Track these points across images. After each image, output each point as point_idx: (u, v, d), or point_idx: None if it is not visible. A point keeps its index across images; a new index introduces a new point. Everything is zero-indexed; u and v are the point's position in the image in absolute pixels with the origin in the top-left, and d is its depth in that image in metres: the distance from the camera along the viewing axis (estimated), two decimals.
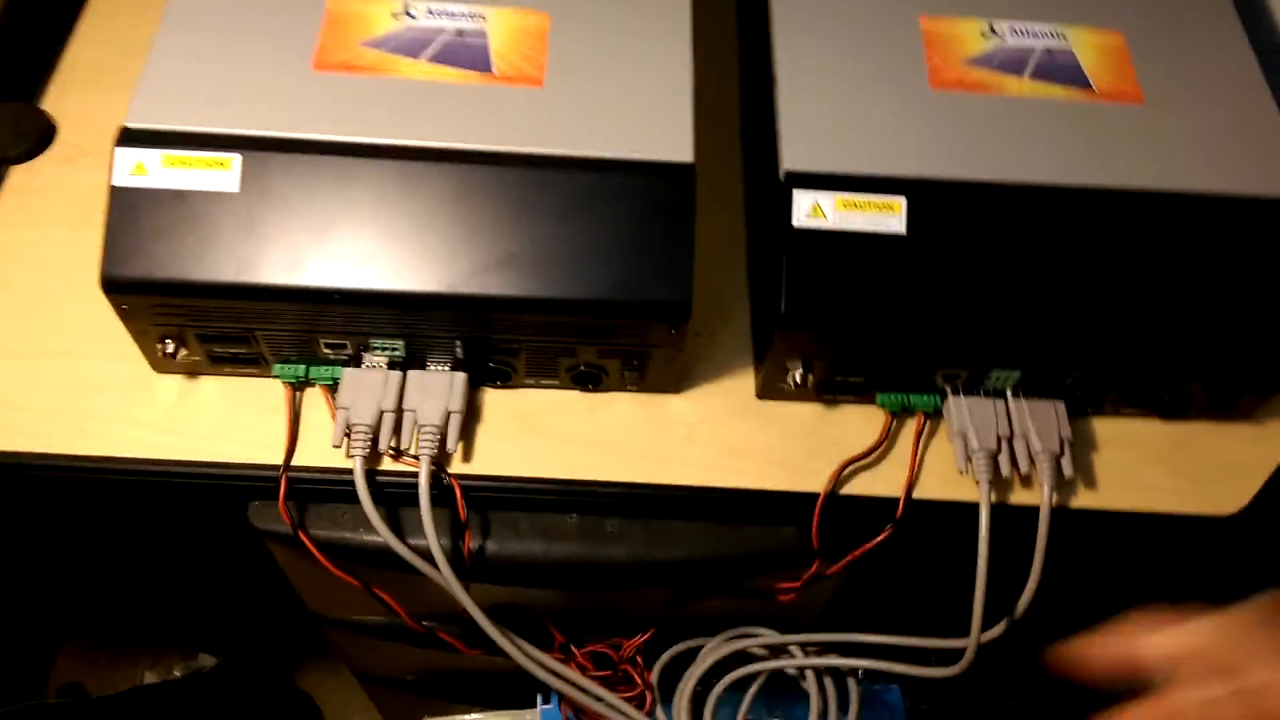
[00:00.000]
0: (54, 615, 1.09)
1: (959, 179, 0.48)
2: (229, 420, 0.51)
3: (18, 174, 0.58)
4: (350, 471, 0.48)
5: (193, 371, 0.52)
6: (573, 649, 0.59)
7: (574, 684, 0.55)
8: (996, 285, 0.47)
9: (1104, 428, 0.53)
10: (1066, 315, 0.47)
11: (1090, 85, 0.51)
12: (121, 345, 0.50)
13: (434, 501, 0.49)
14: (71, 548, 0.89)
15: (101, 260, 0.45)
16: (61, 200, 0.57)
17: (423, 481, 0.48)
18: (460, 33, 0.51)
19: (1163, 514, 0.51)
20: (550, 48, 0.50)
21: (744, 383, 0.54)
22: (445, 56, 0.50)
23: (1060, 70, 0.52)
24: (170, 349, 0.49)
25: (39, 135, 0.58)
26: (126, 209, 0.45)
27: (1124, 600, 0.52)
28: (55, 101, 0.60)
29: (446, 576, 0.48)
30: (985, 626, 0.51)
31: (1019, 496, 0.51)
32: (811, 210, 0.47)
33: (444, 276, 0.46)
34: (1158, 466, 0.52)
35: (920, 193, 0.47)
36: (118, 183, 0.46)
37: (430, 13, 0.51)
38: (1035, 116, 0.50)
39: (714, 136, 0.61)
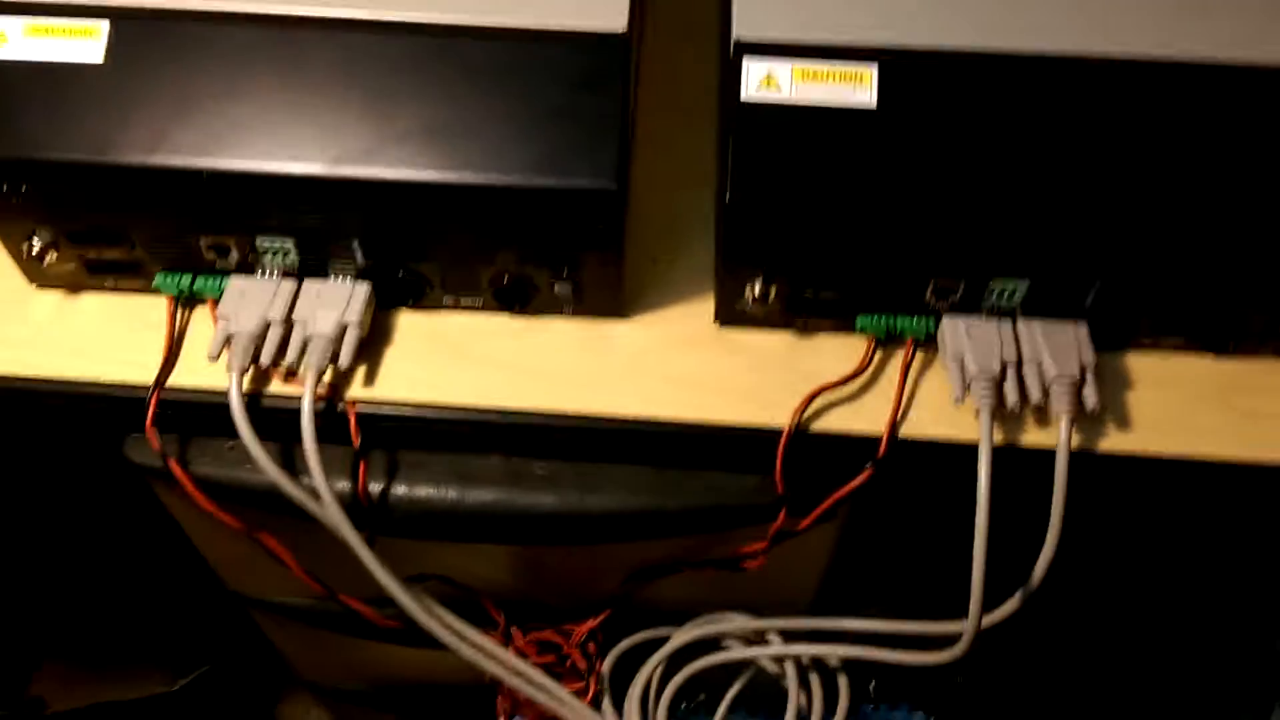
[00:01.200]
0: (35, 630, 1.04)
1: (945, 48, 0.40)
2: (107, 338, 0.44)
3: None
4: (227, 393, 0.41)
5: (73, 285, 0.46)
6: (514, 632, 0.51)
7: (508, 667, 0.47)
8: (993, 171, 0.39)
9: (1139, 363, 0.44)
10: (1084, 209, 0.39)
11: None
12: None
13: (331, 439, 0.42)
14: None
15: None
16: None
17: (306, 400, 0.40)
18: None
19: (1213, 460, 0.41)
20: None
21: (704, 310, 0.46)
22: None
23: None
24: (38, 249, 0.43)
25: None
26: None
27: (1164, 567, 0.42)
28: None
29: (333, 515, 0.41)
30: (992, 604, 0.41)
31: (1031, 436, 0.42)
32: (764, 81, 0.40)
33: (328, 155, 0.39)
34: (1207, 406, 0.43)
35: (896, 62, 0.40)
36: None
37: None
38: None
39: (691, 52, 0.55)
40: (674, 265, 0.48)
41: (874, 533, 0.50)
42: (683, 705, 0.58)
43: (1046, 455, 0.40)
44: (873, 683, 0.61)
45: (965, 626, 0.40)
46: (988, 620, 0.41)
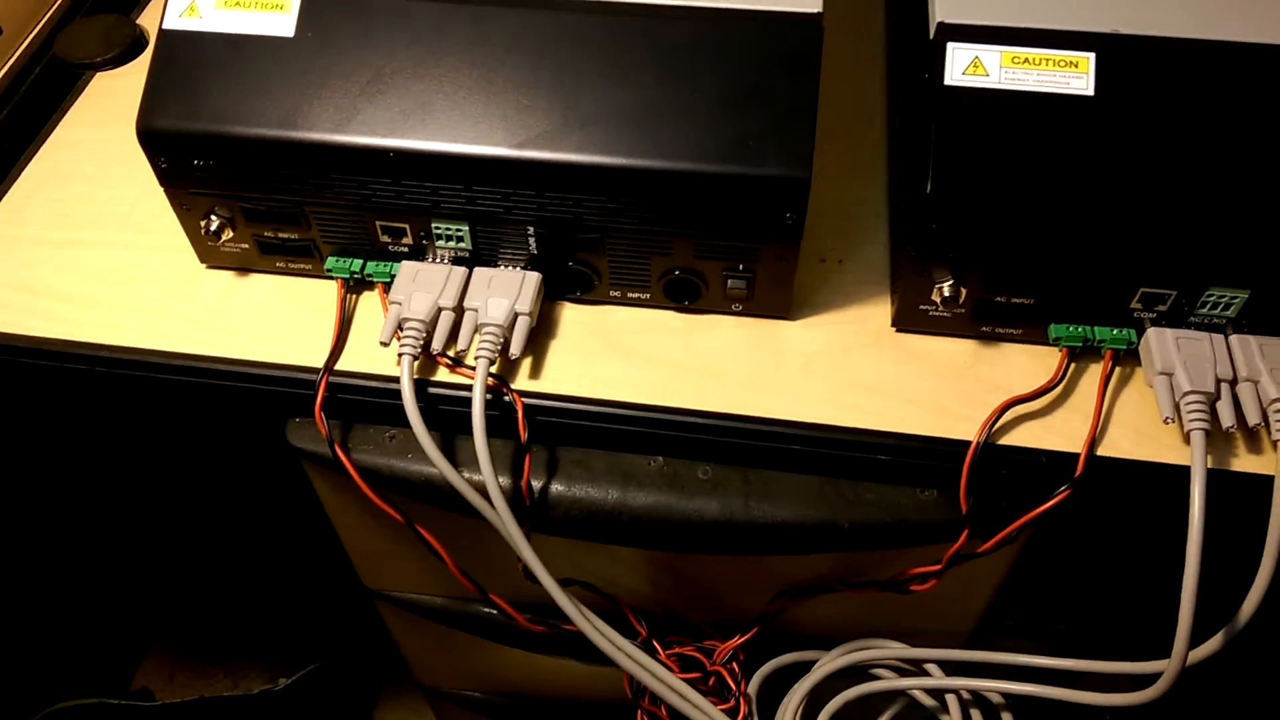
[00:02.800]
0: (143, 616, 1.06)
1: (1173, 35, 0.37)
2: (276, 320, 0.44)
3: (103, 80, 0.55)
4: (398, 380, 0.40)
5: (243, 267, 0.46)
6: (656, 646, 0.49)
7: (660, 679, 0.45)
8: (1217, 169, 0.36)
9: None
10: None
11: None
12: (173, 238, 0.45)
13: (494, 431, 0.41)
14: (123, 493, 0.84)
15: (140, 109, 0.40)
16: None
17: (477, 391, 0.39)
18: None
19: None
20: None
21: (879, 313, 0.44)
22: None
23: None
24: (215, 226, 0.43)
25: (128, 45, 0.55)
26: (172, 54, 0.41)
27: None
28: (151, 16, 0.58)
29: (500, 511, 0.39)
30: (1196, 640, 0.38)
31: (1245, 462, 0.38)
32: (970, 66, 0.38)
33: (513, 137, 0.38)
34: None
35: (1117, 49, 0.37)
36: (168, 25, 0.41)
37: None
38: None
39: (853, 46, 0.53)
40: (844, 266, 0.46)
41: (1053, 561, 0.47)
42: None
43: (1262, 481, 0.37)
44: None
45: (1167, 665, 0.36)
46: (1196, 654, 0.37)
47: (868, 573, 0.45)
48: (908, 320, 0.43)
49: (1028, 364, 0.42)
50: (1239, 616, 0.37)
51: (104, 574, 0.88)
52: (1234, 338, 0.39)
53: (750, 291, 0.42)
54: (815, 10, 0.39)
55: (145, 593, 1.00)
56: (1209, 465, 0.37)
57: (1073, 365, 0.41)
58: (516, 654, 0.56)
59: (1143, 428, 0.40)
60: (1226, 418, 0.38)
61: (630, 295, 0.44)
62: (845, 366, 0.42)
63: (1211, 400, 0.38)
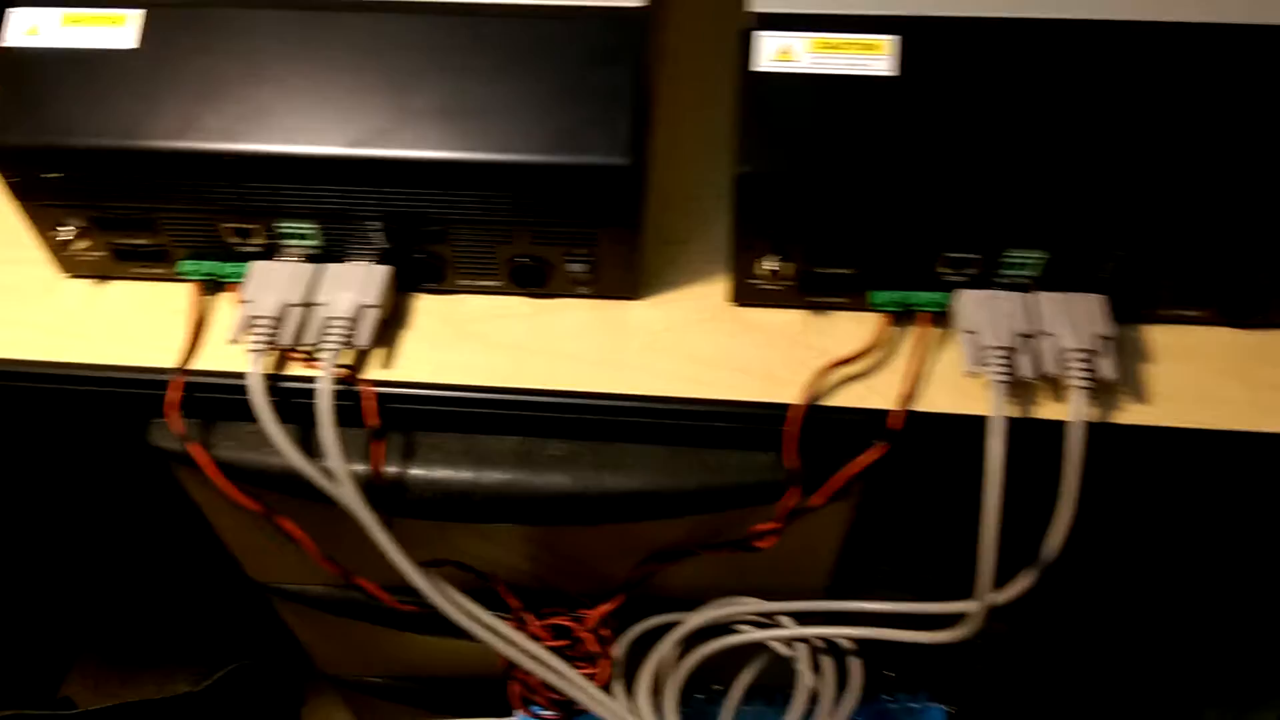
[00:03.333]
0: (67, 628, 1.06)
1: (969, 15, 0.40)
2: (134, 325, 0.45)
3: None
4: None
5: (101, 274, 0.47)
6: (527, 617, 0.51)
7: (521, 649, 0.47)
8: (1013, 142, 0.39)
9: (1159, 335, 0.43)
10: (1104, 178, 0.38)
11: None
12: (32, 250, 0.46)
13: (350, 421, 0.42)
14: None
15: None
16: None
17: (323, 380, 0.41)
18: None
19: (1235, 431, 0.41)
20: None
21: (719, 291, 0.46)
22: None
23: None
24: (69, 236, 0.44)
25: None
26: (15, 71, 0.41)
27: (1183, 544, 0.41)
28: None
29: (349, 495, 0.41)
30: (1005, 578, 0.41)
31: (1046, 409, 0.41)
32: (779, 53, 0.40)
33: (348, 135, 0.40)
34: (1227, 378, 0.42)
35: (918, 31, 0.40)
36: (8, 43, 0.41)
37: None
38: None
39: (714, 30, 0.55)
40: (690, 245, 0.48)
41: (889, 512, 0.50)
42: (697, 696, 0.58)
43: (1061, 428, 0.40)
44: (891, 673, 0.61)
45: (974, 606, 0.39)
46: (999, 598, 0.40)
47: (719, 535, 0.48)
48: (743, 295, 0.45)
49: (855, 330, 0.44)
50: (1043, 556, 0.41)
51: (23, 589, 0.88)
52: (1036, 295, 0.42)
53: (594, 275, 0.44)
54: (640, 4, 0.41)
55: (68, 605, 1.00)
56: (1010, 414, 0.41)
57: (893, 329, 0.44)
58: (405, 636, 0.58)
59: (958, 383, 0.42)
60: (1025, 368, 0.41)
61: (480, 283, 0.45)
62: (687, 341, 0.45)
63: (1012, 353, 0.41)
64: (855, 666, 0.49)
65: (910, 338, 0.43)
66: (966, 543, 0.41)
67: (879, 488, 0.47)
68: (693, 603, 0.53)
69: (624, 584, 0.51)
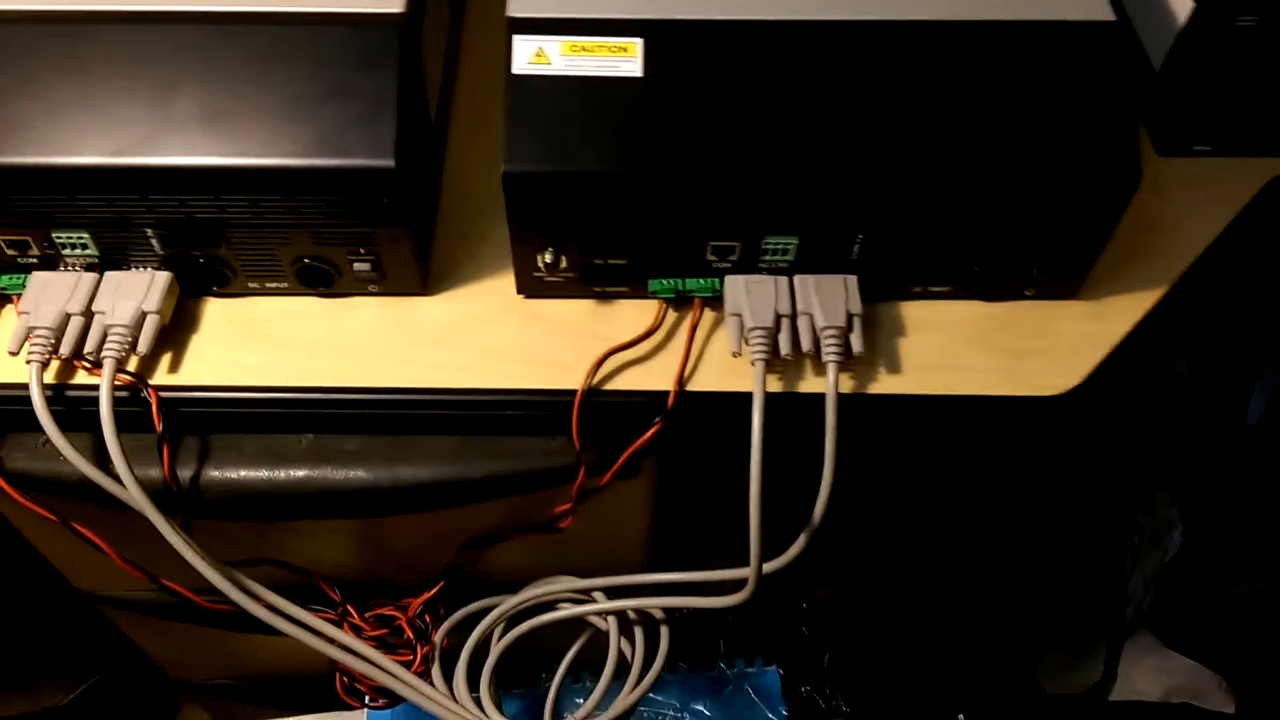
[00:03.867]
0: None
1: (708, 18, 0.42)
2: None
3: None
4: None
5: None
6: (350, 610, 0.52)
7: (334, 641, 0.48)
8: (756, 133, 0.41)
9: (914, 310, 0.46)
10: (841, 166, 0.41)
11: None
12: None
13: (142, 427, 0.43)
14: None
15: None
16: None
17: (104, 388, 0.41)
18: None
19: (978, 396, 0.44)
20: None
21: (510, 284, 0.48)
22: None
23: None
24: None
25: None
26: None
27: (944, 498, 0.44)
28: None
29: (136, 497, 0.41)
30: (783, 542, 0.44)
31: (806, 384, 0.44)
32: (534, 56, 0.42)
33: (110, 145, 0.40)
34: (976, 349, 0.45)
35: (663, 33, 0.42)
36: None
37: None
38: None
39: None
40: (484, 241, 0.49)
41: (690, 487, 0.52)
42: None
43: (819, 399, 0.43)
44: (721, 641, 0.64)
45: (748, 572, 0.42)
46: (772, 565, 0.43)
47: (526, 518, 0.50)
48: (529, 288, 0.47)
49: (638, 317, 0.46)
50: (812, 521, 0.43)
51: None
52: (796, 279, 0.45)
53: (381, 273, 0.45)
54: (397, 10, 0.42)
55: None
56: (775, 389, 0.43)
57: (671, 314, 0.46)
58: (238, 637, 0.58)
59: (730, 364, 0.45)
60: (785, 347, 0.43)
61: (269, 285, 0.46)
62: (477, 334, 0.46)
63: (773, 333, 0.43)
64: (664, 634, 0.51)
65: (686, 322, 0.46)
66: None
67: (673, 464, 0.50)
68: (521, 585, 0.54)
69: (444, 571, 0.53)
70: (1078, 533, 0.70)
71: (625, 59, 0.42)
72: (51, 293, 0.43)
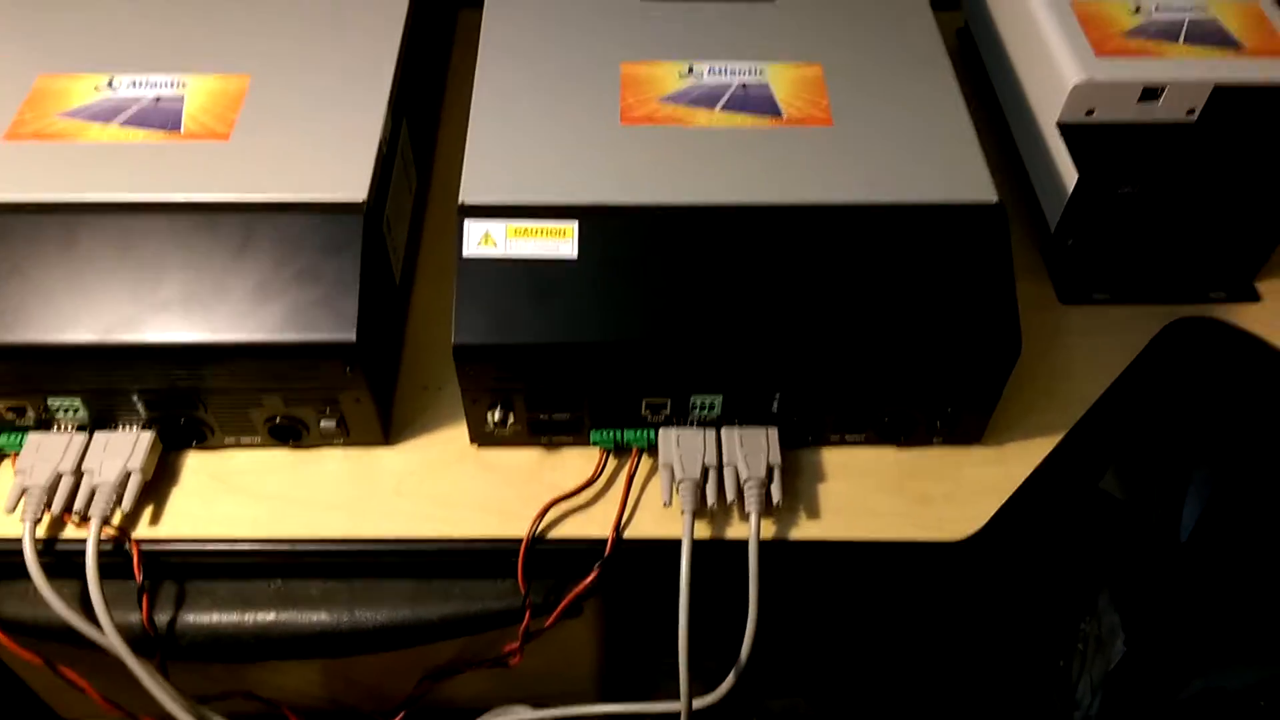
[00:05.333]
0: None
1: (635, 204, 0.47)
2: None
3: None
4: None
5: None
6: None
7: None
8: (679, 306, 0.46)
9: (832, 457, 0.51)
10: (755, 334, 0.46)
11: (780, 113, 0.51)
12: None
13: (126, 573, 0.47)
14: None
15: None
16: None
17: (90, 543, 0.45)
18: (158, 99, 0.52)
19: (889, 541, 0.48)
20: (244, 106, 0.51)
21: (466, 433, 0.52)
22: (137, 120, 0.50)
23: (752, 102, 0.52)
24: None
25: None
26: None
27: (863, 636, 0.48)
28: None
29: (114, 644, 0.45)
30: (714, 677, 0.47)
31: (732, 531, 0.48)
32: (482, 239, 0.47)
33: (100, 326, 0.45)
34: (887, 493, 0.49)
35: (594, 217, 0.47)
36: None
37: (133, 84, 0.52)
38: (719, 144, 0.50)
39: None
40: (442, 391, 0.54)
41: (633, 620, 0.56)
42: None
43: (742, 545, 0.47)
44: None
45: (679, 706, 0.45)
46: (702, 702, 0.47)
47: (481, 653, 0.53)
48: (482, 439, 0.51)
49: (584, 465, 0.51)
50: (739, 659, 0.47)
51: None
52: (725, 431, 0.49)
53: (345, 429, 0.50)
54: (359, 199, 0.47)
55: None
56: (703, 537, 0.47)
57: (611, 463, 0.50)
58: None
59: (662, 511, 0.49)
60: (711, 497, 0.47)
61: (244, 440, 0.50)
62: (433, 483, 0.50)
63: (700, 485, 0.47)
64: None
65: (624, 471, 0.50)
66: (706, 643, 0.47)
67: (617, 601, 0.53)
68: (479, 712, 0.58)
69: (405, 700, 0.56)
70: (1021, 642, 0.73)
71: (563, 241, 0.47)
72: (45, 453, 0.48)
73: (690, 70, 0.54)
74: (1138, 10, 0.56)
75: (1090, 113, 0.53)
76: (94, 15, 0.56)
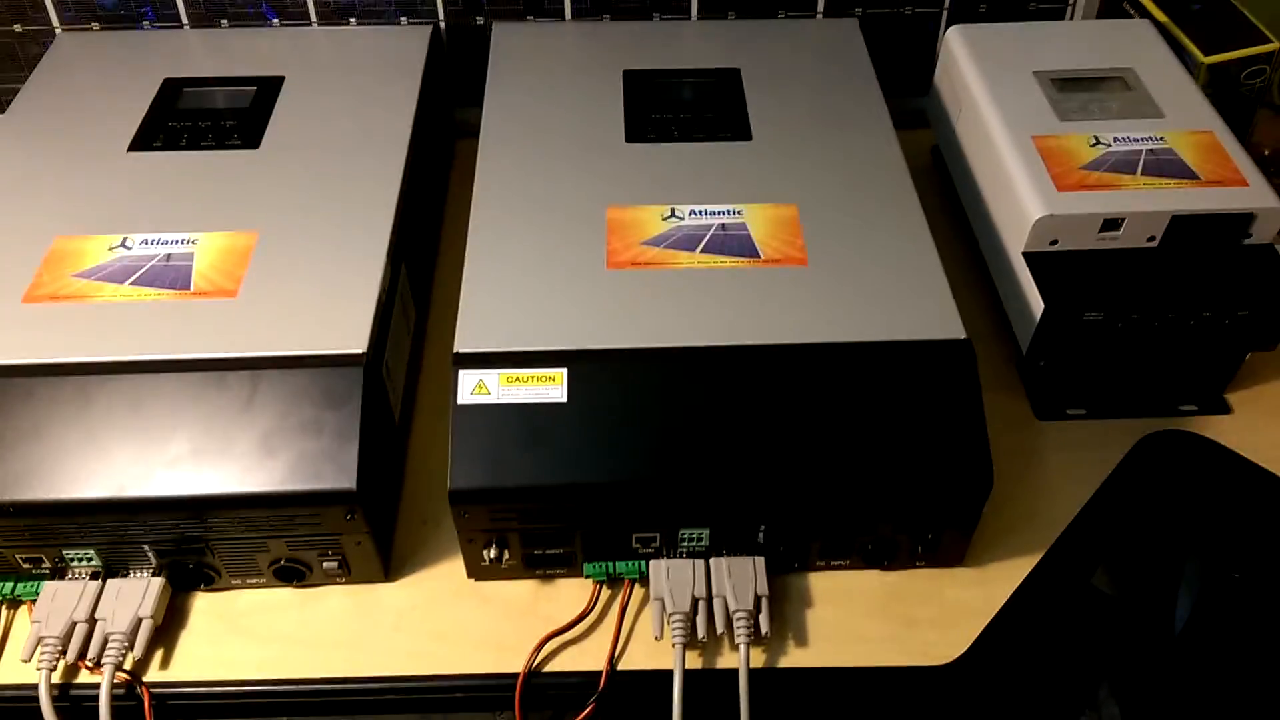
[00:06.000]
0: None
1: (619, 347, 0.50)
2: None
3: None
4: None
5: None
6: None
7: None
8: (667, 445, 0.48)
9: (818, 582, 0.52)
10: (740, 471, 0.48)
11: (758, 254, 0.54)
12: None
13: (137, 715, 0.48)
14: None
15: None
16: None
17: (103, 690, 0.47)
18: (169, 257, 0.55)
19: (874, 668, 0.49)
20: (252, 261, 0.54)
21: (463, 566, 0.54)
22: (148, 279, 0.53)
23: (731, 243, 0.55)
24: None
25: None
26: None
27: None
28: None
29: None
30: None
31: (724, 660, 0.50)
32: (476, 387, 0.49)
33: (114, 483, 0.47)
34: (874, 618, 0.51)
35: (583, 362, 0.49)
36: None
37: (146, 243, 0.56)
38: (700, 286, 0.53)
39: None
40: (439, 526, 0.56)
41: None
42: None
43: (732, 674, 0.48)
44: None
45: None
46: None
47: None
48: (478, 574, 0.53)
49: (578, 596, 0.52)
50: None
51: None
52: (713, 562, 0.51)
53: (345, 568, 0.52)
54: (359, 350, 0.50)
55: None
56: (692, 667, 0.49)
57: (604, 594, 0.52)
58: None
59: (656, 643, 0.50)
60: (702, 629, 0.49)
61: (250, 581, 0.52)
62: (432, 619, 0.52)
63: (690, 617, 0.49)
64: None
65: (617, 603, 0.52)
66: None
67: None
68: None
69: None
70: None
71: (553, 386, 0.49)
72: (60, 602, 0.50)
73: (672, 213, 0.57)
74: (1096, 143, 0.59)
75: (1054, 242, 0.56)
76: (110, 178, 0.60)
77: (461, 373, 0.49)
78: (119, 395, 0.49)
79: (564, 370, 0.49)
